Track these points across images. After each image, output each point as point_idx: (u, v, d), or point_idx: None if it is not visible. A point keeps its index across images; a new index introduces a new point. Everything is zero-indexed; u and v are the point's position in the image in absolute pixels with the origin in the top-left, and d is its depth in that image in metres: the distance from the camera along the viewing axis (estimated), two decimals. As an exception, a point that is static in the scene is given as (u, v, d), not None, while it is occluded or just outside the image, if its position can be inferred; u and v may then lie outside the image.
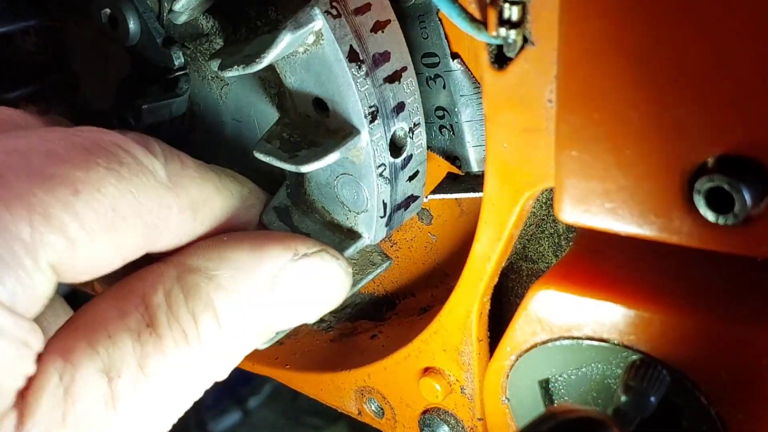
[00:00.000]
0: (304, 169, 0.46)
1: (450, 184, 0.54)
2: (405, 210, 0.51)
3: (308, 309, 0.47)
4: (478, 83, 0.50)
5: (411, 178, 0.50)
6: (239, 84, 0.52)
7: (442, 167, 0.54)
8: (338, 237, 0.51)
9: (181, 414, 0.43)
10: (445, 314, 0.51)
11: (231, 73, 0.46)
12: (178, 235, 0.43)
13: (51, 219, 0.37)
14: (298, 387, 0.65)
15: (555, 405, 0.43)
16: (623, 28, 0.35)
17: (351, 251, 0.50)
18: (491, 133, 0.42)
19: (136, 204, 0.40)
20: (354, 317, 0.66)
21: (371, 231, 0.50)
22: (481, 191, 0.45)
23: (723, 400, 0.39)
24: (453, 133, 0.52)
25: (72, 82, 0.63)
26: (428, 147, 0.52)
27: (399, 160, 0.48)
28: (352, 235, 0.50)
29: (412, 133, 0.49)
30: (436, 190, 0.53)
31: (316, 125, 0.47)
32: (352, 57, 0.44)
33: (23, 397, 0.37)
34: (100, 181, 0.38)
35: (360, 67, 0.45)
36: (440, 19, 0.50)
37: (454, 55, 0.50)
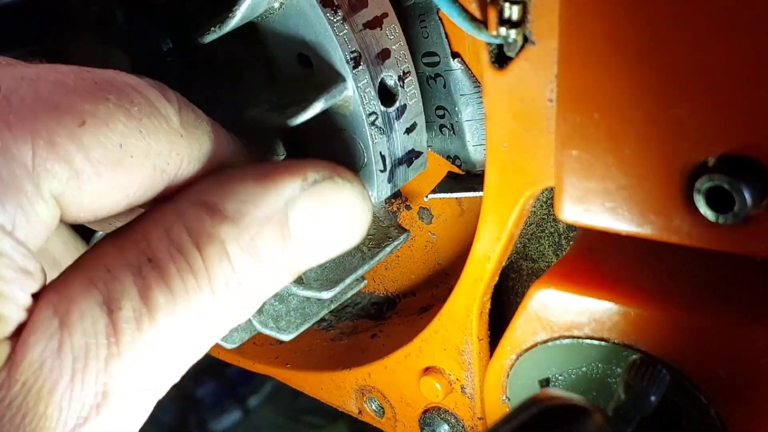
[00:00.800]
0: (292, 122, 0.45)
1: (450, 183, 0.54)
2: (408, 167, 0.50)
3: (327, 244, 0.43)
4: (479, 82, 0.50)
5: (408, 131, 0.49)
6: (230, 62, 0.52)
7: (443, 166, 0.55)
8: None
9: (189, 365, 0.40)
10: (446, 313, 0.51)
11: (209, 37, 0.45)
12: (185, 181, 0.41)
13: (55, 146, 0.35)
14: (299, 386, 0.65)
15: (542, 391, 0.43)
16: (623, 28, 0.35)
17: None
18: (491, 132, 0.42)
19: (144, 145, 0.38)
20: (354, 316, 0.66)
21: (373, 187, 0.49)
22: (482, 190, 0.45)
23: (722, 400, 0.39)
24: (453, 133, 0.53)
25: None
26: (428, 146, 0.52)
27: (392, 110, 0.48)
28: None
29: (403, 82, 0.48)
30: (437, 190, 0.53)
31: (304, 84, 0.47)
32: (326, 2, 0.44)
33: (19, 329, 0.36)
34: (109, 115, 0.37)
35: (336, 12, 0.44)
36: (440, 19, 0.50)
37: (455, 55, 0.50)
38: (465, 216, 0.57)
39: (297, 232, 0.41)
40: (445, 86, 0.51)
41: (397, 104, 0.48)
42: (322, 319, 0.66)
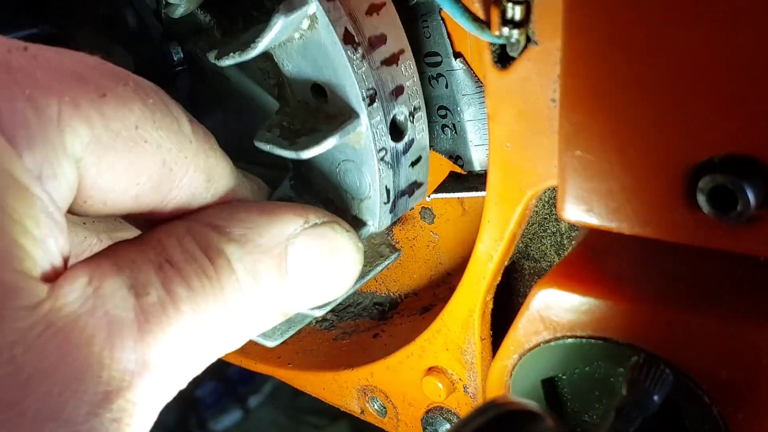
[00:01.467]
0: (304, 155, 0.46)
1: (452, 183, 0.54)
2: (409, 197, 0.51)
3: (317, 287, 0.45)
4: (481, 82, 0.50)
5: (414, 164, 0.50)
6: (239, 77, 0.52)
7: (444, 166, 0.55)
8: None
9: (200, 369, 0.41)
10: (448, 313, 0.51)
11: (227, 62, 0.45)
12: (189, 196, 0.42)
13: (79, 108, 0.36)
14: (301, 386, 0.65)
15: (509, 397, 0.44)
16: (626, 28, 0.35)
17: None
18: (494, 132, 0.43)
19: (157, 136, 0.39)
20: (356, 316, 0.66)
21: (375, 218, 0.49)
22: (484, 190, 0.45)
23: (725, 400, 0.39)
24: (455, 133, 0.53)
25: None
26: (431, 146, 0.52)
27: (400, 145, 0.48)
28: (357, 223, 0.50)
29: (413, 117, 0.48)
30: (439, 190, 0.53)
31: (316, 112, 0.47)
32: (348, 39, 0.44)
33: (52, 280, 0.36)
34: (128, 97, 0.38)
35: (356, 50, 0.45)
36: (443, 19, 0.50)
37: (457, 54, 0.50)
38: (467, 216, 0.57)
39: (293, 270, 0.43)
40: (447, 86, 0.51)
41: (406, 139, 0.48)
42: (324, 319, 0.66)
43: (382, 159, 0.47)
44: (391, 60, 0.46)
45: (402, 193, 0.50)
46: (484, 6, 0.39)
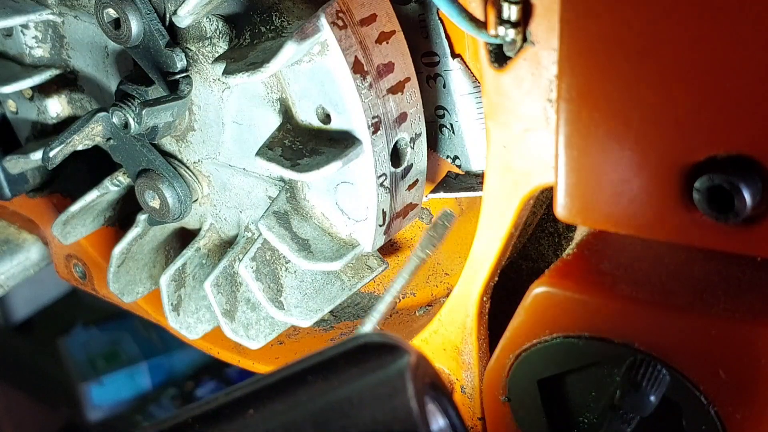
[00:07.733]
0: (305, 177, 0.46)
1: (450, 183, 0.54)
2: (404, 218, 0.51)
3: None
4: (478, 82, 0.50)
5: (411, 187, 0.50)
6: (241, 87, 0.52)
7: (442, 166, 0.55)
8: (337, 244, 0.51)
9: None
10: (445, 313, 0.51)
11: (235, 80, 0.46)
12: None
13: None
14: (298, 386, 0.65)
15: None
16: (623, 28, 0.35)
17: (349, 258, 0.50)
18: (491, 132, 0.42)
19: None
20: (354, 316, 0.66)
21: (370, 239, 0.50)
22: (481, 190, 0.45)
23: (722, 400, 0.39)
24: (453, 132, 0.52)
25: (70, 78, 0.63)
26: (429, 146, 0.52)
27: (399, 170, 0.49)
28: (351, 243, 0.50)
29: (413, 143, 0.49)
30: (437, 190, 0.53)
31: (318, 133, 0.48)
32: (357, 68, 0.44)
33: None
34: None
35: (364, 78, 0.45)
36: (440, 18, 0.50)
37: (455, 55, 0.50)
38: (464, 216, 0.57)
39: None
40: (444, 86, 0.51)
41: (405, 164, 0.49)
42: (322, 320, 0.66)
43: (381, 184, 0.48)
44: (397, 88, 0.47)
45: (397, 215, 0.50)
46: (481, 6, 0.39)
